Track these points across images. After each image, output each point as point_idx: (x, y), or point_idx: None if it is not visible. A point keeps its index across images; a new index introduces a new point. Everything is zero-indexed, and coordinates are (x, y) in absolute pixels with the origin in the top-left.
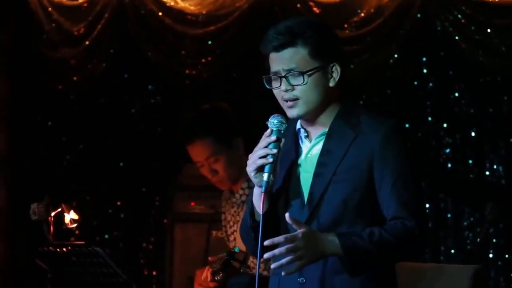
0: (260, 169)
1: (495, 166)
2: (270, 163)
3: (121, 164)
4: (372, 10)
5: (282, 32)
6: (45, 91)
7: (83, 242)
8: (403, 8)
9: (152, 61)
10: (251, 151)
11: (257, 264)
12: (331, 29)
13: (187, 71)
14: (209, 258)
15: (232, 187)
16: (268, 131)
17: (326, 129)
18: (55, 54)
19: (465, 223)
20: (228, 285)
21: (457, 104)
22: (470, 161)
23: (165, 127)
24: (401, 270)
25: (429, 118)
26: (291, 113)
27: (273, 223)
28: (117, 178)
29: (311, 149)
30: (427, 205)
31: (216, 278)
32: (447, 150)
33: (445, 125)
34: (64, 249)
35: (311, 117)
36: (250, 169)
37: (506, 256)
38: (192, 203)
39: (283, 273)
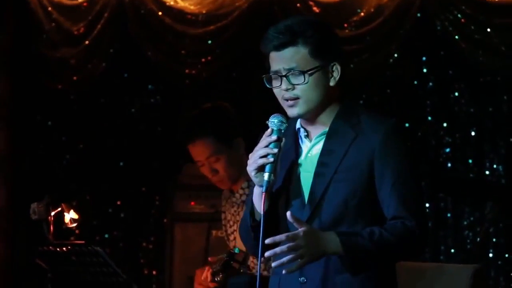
0: (260, 169)
1: (495, 166)
2: (271, 162)
3: (121, 164)
4: (372, 10)
5: (283, 31)
6: (45, 91)
7: (83, 242)
8: (403, 7)
9: (152, 61)
10: (251, 150)
11: (258, 263)
12: (331, 29)
13: (187, 71)
14: (209, 259)
15: (232, 187)
16: (269, 130)
17: (326, 129)
18: (55, 53)
19: (465, 223)
20: (228, 284)
21: (457, 103)
22: (470, 161)
23: (165, 126)
24: (401, 270)
25: (429, 118)
26: (292, 112)
27: (273, 222)
28: (117, 178)
29: (311, 148)
30: (427, 205)
31: (216, 279)
32: (447, 150)
33: (445, 124)
34: (64, 248)
35: (311, 117)
36: (251, 168)
37: (506, 255)
38: (192, 203)
39: (284, 272)
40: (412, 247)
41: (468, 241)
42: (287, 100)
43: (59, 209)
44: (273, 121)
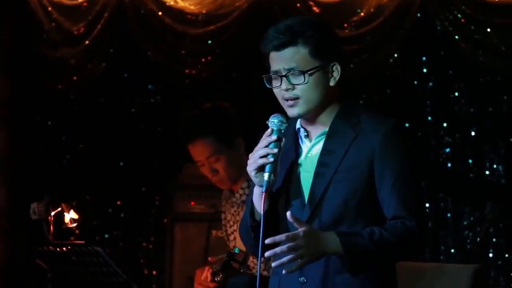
0: (260, 169)
1: (495, 166)
2: (271, 162)
3: (121, 164)
4: (372, 10)
5: (283, 31)
6: (45, 90)
7: (83, 242)
8: (403, 7)
9: (152, 61)
10: (251, 150)
11: (258, 263)
12: (331, 29)
13: (187, 71)
14: (209, 259)
15: (232, 187)
16: (269, 130)
17: (326, 129)
18: (55, 53)
19: (465, 223)
20: (228, 284)
21: (457, 103)
22: (470, 161)
23: (165, 126)
24: (401, 270)
25: (429, 118)
26: (292, 112)
27: (273, 222)
28: (117, 178)
29: (311, 148)
30: (427, 205)
31: (216, 279)
32: (447, 150)
33: (445, 124)
34: (64, 248)
35: (311, 117)
36: (251, 168)
37: (506, 255)
38: (192, 203)
39: (284, 272)
40: (412, 247)
41: (468, 241)
42: (287, 100)
43: (59, 209)
44: (273, 121)
